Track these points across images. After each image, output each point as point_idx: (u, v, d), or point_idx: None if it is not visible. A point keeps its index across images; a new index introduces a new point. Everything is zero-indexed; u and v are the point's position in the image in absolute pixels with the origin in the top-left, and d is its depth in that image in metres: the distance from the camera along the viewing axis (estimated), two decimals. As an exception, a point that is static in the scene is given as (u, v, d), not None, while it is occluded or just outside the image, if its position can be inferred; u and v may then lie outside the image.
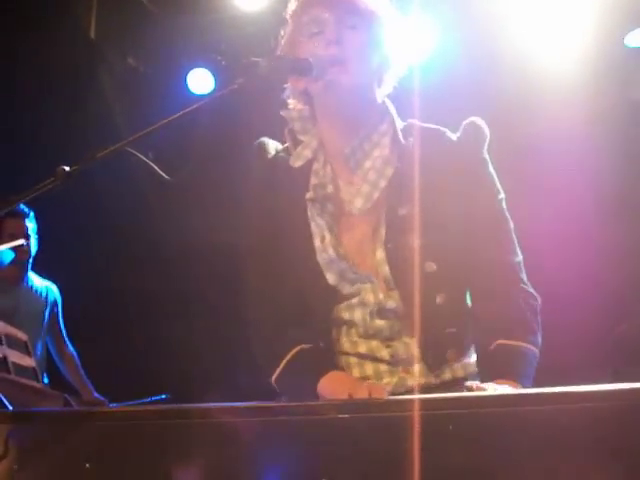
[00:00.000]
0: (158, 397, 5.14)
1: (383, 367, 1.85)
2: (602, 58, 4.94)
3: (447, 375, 1.85)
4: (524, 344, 1.77)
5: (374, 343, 1.86)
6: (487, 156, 1.97)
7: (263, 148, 2.03)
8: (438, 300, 1.84)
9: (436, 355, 1.84)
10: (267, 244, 1.95)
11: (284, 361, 1.83)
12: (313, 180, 1.92)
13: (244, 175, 2.04)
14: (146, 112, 5.61)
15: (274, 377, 1.85)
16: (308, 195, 1.91)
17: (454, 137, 1.97)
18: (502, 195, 1.96)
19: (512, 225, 1.95)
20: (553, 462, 1.07)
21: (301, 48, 1.90)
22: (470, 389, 1.59)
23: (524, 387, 1.68)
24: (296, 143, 1.98)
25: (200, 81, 5.95)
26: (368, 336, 1.87)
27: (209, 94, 5.90)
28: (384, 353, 1.85)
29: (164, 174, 1.78)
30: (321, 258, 1.87)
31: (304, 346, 1.83)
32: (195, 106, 1.73)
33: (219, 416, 1.23)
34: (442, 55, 5.15)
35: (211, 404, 1.27)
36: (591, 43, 4.89)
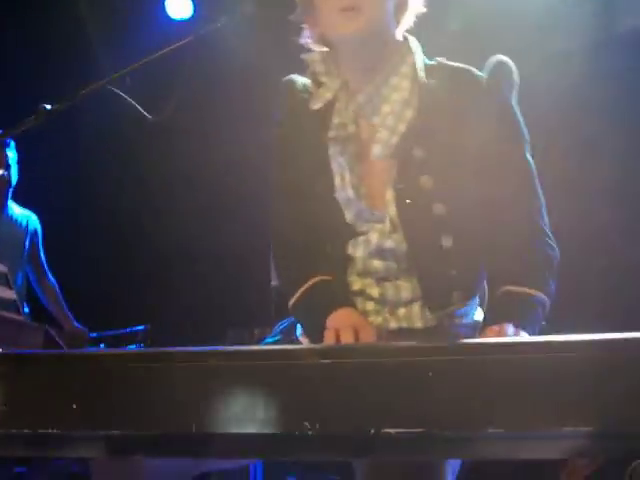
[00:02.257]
0: (138, 328, 5.19)
1: (370, 305, 1.88)
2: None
3: (431, 322, 1.86)
4: (533, 291, 1.76)
5: (367, 281, 1.88)
6: (514, 99, 1.93)
7: (291, 85, 2.02)
8: (443, 242, 1.84)
9: (440, 296, 1.85)
10: (292, 179, 1.98)
11: (299, 292, 1.86)
12: (335, 119, 1.91)
13: (272, 110, 2.06)
14: (124, 36, 5.52)
15: (290, 304, 1.89)
16: (330, 134, 1.91)
17: (481, 77, 1.93)
18: (527, 142, 1.92)
19: (535, 174, 1.91)
20: (532, 407, 1.11)
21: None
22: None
23: (526, 332, 1.67)
24: (318, 84, 1.96)
25: (179, 5, 5.85)
26: (365, 274, 1.89)
27: (188, 19, 5.82)
28: (374, 291, 1.87)
29: (146, 113, 1.76)
30: (340, 196, 1.88)
31: (323, 277, 1.86)
32: (177, 44, 1.71)
33: (200, 360, 1.24)
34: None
35: (193, 348, 1.29)
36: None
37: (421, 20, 1.94)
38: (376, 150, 1.87)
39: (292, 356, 1.22)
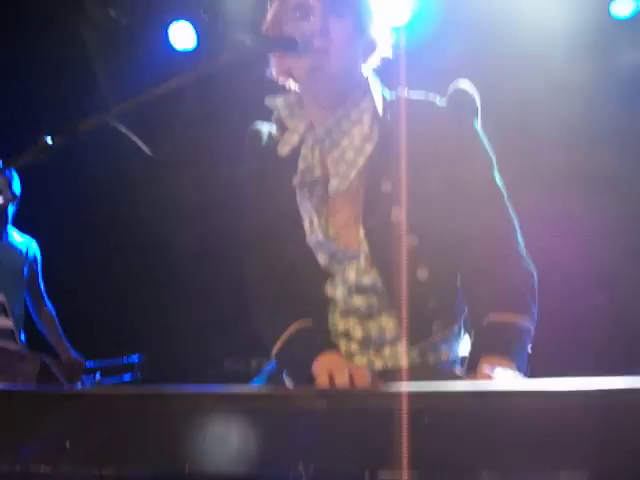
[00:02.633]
0: (134, 357, 5.18)
1: (354, 347, 1.88)
2: (588, 28, 4.93)
3: (417, 360, 1.85)
4: (518, 320, 1.74)
5: (351, 321, 1.88)
6: (476, 122, 1.93)
7: (256, 135, 2.03)
8: (419, 274, 1.83)
9: (420, 329, 1.83)
10: (261, 227, 1.97)
11: (284, 336, 1.84)
12: (301, 165, 1.92)
13: (237, 161, 2.06)
14: (128, 65, 5.55)
15: (274, 352, 1.87)
16: (295, 180, 1.91)
17: (441, 105, 1.93)
18: (493, 163, 1.91)
19: (505, 193, 1.90)
20: (528, 452, 1.10)
21: (287, 29, 1.87)
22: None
23: (516, 364, 1.65)
24: (283, 129, 1.97)
25: (182, 35, 5.89)
26: (347, 313, 1.88)
27: (191, 50, 5.85)
28: (358, 332, 1.86)
29: (146, 148, 1.77)
30: (310, 241, 1.89)
31: (303, 322, 1.84)
32: (179, 81, 1.71)
33: (196, 401, 1.24)
34: (423, 18, 5.11)
35: (188, 388, 1.28)
36: (577, 12, 4.87)
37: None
38: (334, 183, 1.87)
39: (289, 399, 1.21)
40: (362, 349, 1.87)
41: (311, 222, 1.88)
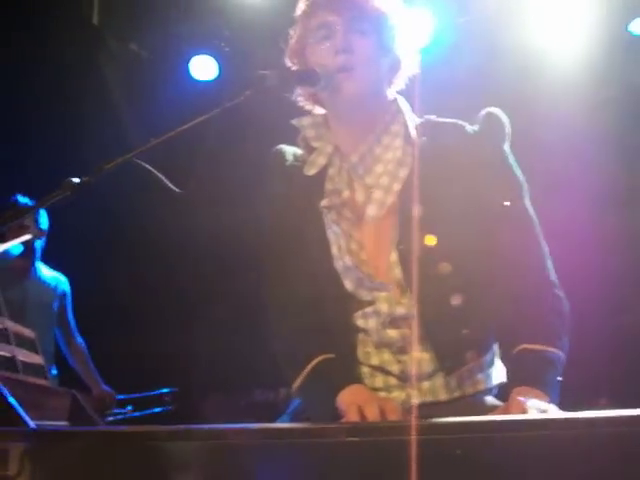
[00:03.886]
0: (164, 390, 5.19)
1: (393, 381, 1.83)
2: (605, 45, 4.92)
3: (456, 393, 1.82)
4: (550, 348, 1.70)
5: (386, 355, 1.84)
6: (507, 148, 1.92)
7: (280, 155, 2.01)
8: (453, 302, 1.80)
9: (454, 358, 1.80)
10: (285, 253, 1.93)
11: (305, 371, 1.79)
12: (328, 186, 1.90)
13: (261, 184, 2.03)
14: (149, 99, 5.62)
15: (295, 386, 1.82)
16: (323, 202, 1.88)
17: (472, 130, 1.92)
18: (525, 189, 1.89)
19: (537, 220, 1.88)
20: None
21: (309, 52, 1.89)
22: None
23: (550, 396, 1.62)
24: (310, 150, 1.95)
25: (203, 67, 5.93)
26: (381, 345, 1.84)
27: (212, 81, 5.89)
28: (395, 367, 1.83)
29: (172, 185, 1.78)
30: (338, 265, 1.85)
31: (326, 356, 1.79)
32: (203, 117, 1.73)
33: (221, 437, 1.24)
34: (441, 42, 5.13)
35: (213, 425, 1.28)
36: (594, 30, 4.86)
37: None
38: (371, 210, 1.84)
39: (317, 434, 1.21)
40: (400, 383, 1.83)
41: (339, 247, 1.85)
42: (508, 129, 1.92)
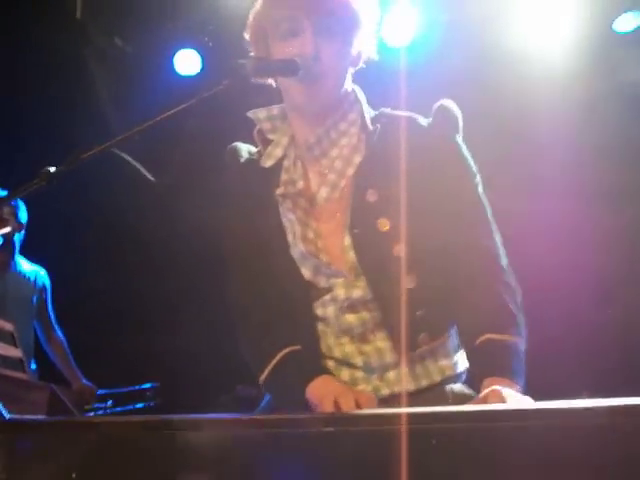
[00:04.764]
0: (145, 385, 5.16)
1: (358, 374, 1.84)
2: (590, 43, 4.94)
3: (424, 381, 1.83)
4: (512, 337, 1.71)
5: (347, 347, 1.85)
6: (460, 140, 1.94)
7: (235, 152, 2.03)
8: (407, 284, 1.81)
9: (407, 339, 1.79)
10: (245, 245, 1.94)
11: (272, 364, 1.81)
12: (283, 176, 1.92)
13: (218, 181, 2.05)
14: (133, 93, 5.58)
15: (262, 378, 1.84)
16: (278, 191, 1.90)
17: (425, 122, 1.95)
18: (477, 179, 1.92)
19: (489, 209, 1.90)
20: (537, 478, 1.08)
21: (274, 46, 1.88)
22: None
23: (518, 384, 1.63)
24: (266, 143, 1.98)
25: (187, 62, 5.91)
26: (341, 334, 1.85)
27: (196, 76, 5.88)
28: (358, 360, 1.83)
29: (149, 175, 1.77)
30: (295, 253, 1.86)
31: (292, 348, 1.81)
32: (181, 107, 1.71)
33: (203, 428, 1.23)
34: (426, 39, 5.13)
35: (195, 415, 1.27)
36: (579, 28, 4.88)
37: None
38: (323, 192, 1.87)
39: (295, 424, 1.20)
40: (366, 376, 1.84)
41: (294, 234, 1.86)
42: (460, 120, 1.95)
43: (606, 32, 5.08)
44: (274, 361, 1.80)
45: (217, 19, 5.62)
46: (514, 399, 1.49)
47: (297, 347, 1.82)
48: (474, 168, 1.94)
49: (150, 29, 5.91)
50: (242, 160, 2.02)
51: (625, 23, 5.11)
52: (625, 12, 5.06)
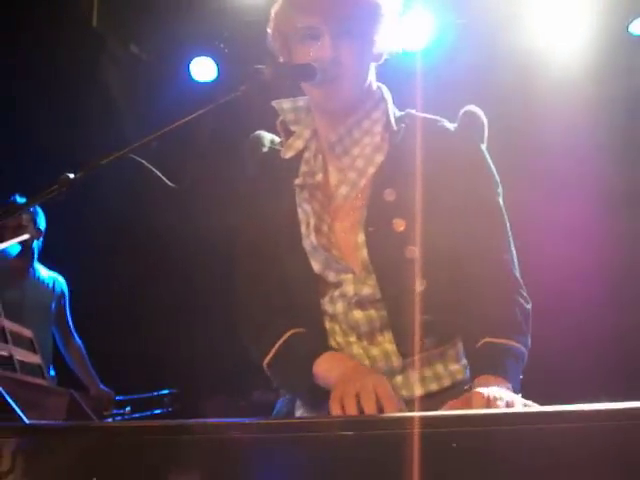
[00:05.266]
0: (164, 391, 5.18)
1: None
2: (606, 46, 4.92)
3: (433, 385, 1.82)
4: (512, 342, 1.71)
5: (355, 349, 1.83)
6: (484, 146, 1.93)
7: (257, 142, 2.02)
8: (417, 287, 1.80)
9: (413, 342, 1.79)
10: (258, 238, 1.94)
11: (276, 345, 1.81)
12: (303, 168, 1.91)
13: (238, 170, 2.04)
14: (149, 100, 5.61)
15: (266, 360, 1.84)
16: (297, 181, 1.90)
17: (451, 127, 1.93)
18: (499, 188, 1.91)
19: (507, 220, 1.89)
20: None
21: (295, 51, 1.87)
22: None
23: (511, 385, 1.62)
24: (288, 134, 1.97)
25: (203, 69, 5.95)
26: (348, 331, 1.84)
27: (212, 82, 5.90)
28: (365, 363, 1.81)
29: (168, 180, 1.77)
30: (306, 245, 1.86)
31: (295, 330, 1.82)
32: (199, 112, 1.72)
33: (219, 432, 1.23)
34: (442, 43, 5.13)
35: (211, 420, 1.27)
36: (595, 31, 4.86)
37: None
38: (343, 190, 1.86)
39: (312, 428, 1.20)
40: None
41: (307, 225, 1.85)
42: (485, 127, 1.94)
43: (622, 34, 5.06)
44: (279, 343, 1.81)
45: (232, 26, 5.65)
46: (501, 398, 1.47)
47: (302, 330, 1.83)
48: (497, 178, 1.92)
49: (166, 36, 5.94)
50: (264, 149, 2.00)
51: (642, 26, 5.09)
52: (642, 15, 5.03)
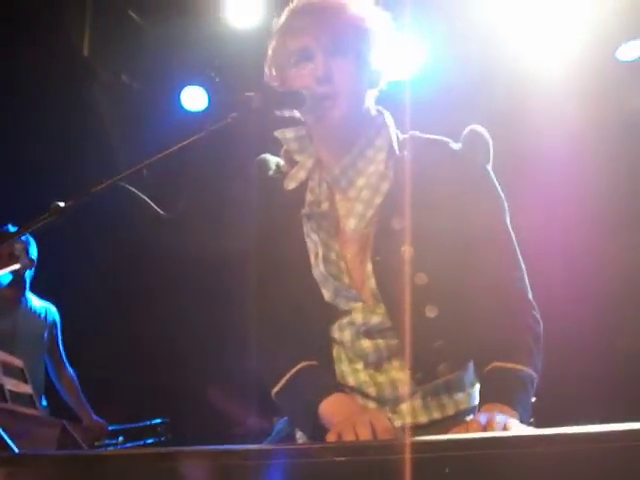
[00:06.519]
0: (156, 421, 5.15)
1: (371, 404, 1.82)
2: (593, 72, 4.96)
3: (436, 414, 1.81)
4: (521, 367, 1.68)
5: (362, 375, 1.83)
6: (489, 165, 1.92)
7: (264, 165, 2.01)
8: (428, 313, 1.79)
9: (426, 370, 1.78)
10: (266, 262, 1.94)
11: (286, 377, 1.80)
12: (309, 197, 1.90)
13: (243, 193, 2.04)
14: (140, 129, 5.62)
15: (275, 391, 1.82)
16: (303, 211, 1.89)
17: (456, 147, 1.92)
18: (506, 208, 1.90)
19: (514, 241, 1.88)
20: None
21: (290, 75, 1.87)
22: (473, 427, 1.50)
23: (519, 413, 1.60)
24: (292, 163, 1.96)
25: (194, 98, 5.96)
26: (355, 359, 1.84)
27: (203, 111, 5.92)
28: (371, 390, 1.82)
29: (158, 209, 1.77)
30: (316, 274, 1.85)
31: (306, 363, 1.80)
32: (189, 140, 1.72)
33: (212, 459, 1.22)
34: (434, 69, 5.17)
35: (204, 447, 1.26)
36: (583, 57, 4.91)
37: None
38: (351, 223, 1.85)
39: (306, 454, 1.19)
40: (378, 407, 1.81)
41: (316, 255, 1.85)
42: (490, 147, 1.92)
43: (609, 60, 5.11)
44: (289, 374, 1.80)
45: (223, 55, 5.67)
46: (498, 423, 1.46)
47: (313, 362, 1.81)
48: (502, 198, 1.91)
49: (157, 65, 5.96)
50: (269, 174, 1.99)
51: (628, 51, 5.13)
52: (628, 41, 5.08)
